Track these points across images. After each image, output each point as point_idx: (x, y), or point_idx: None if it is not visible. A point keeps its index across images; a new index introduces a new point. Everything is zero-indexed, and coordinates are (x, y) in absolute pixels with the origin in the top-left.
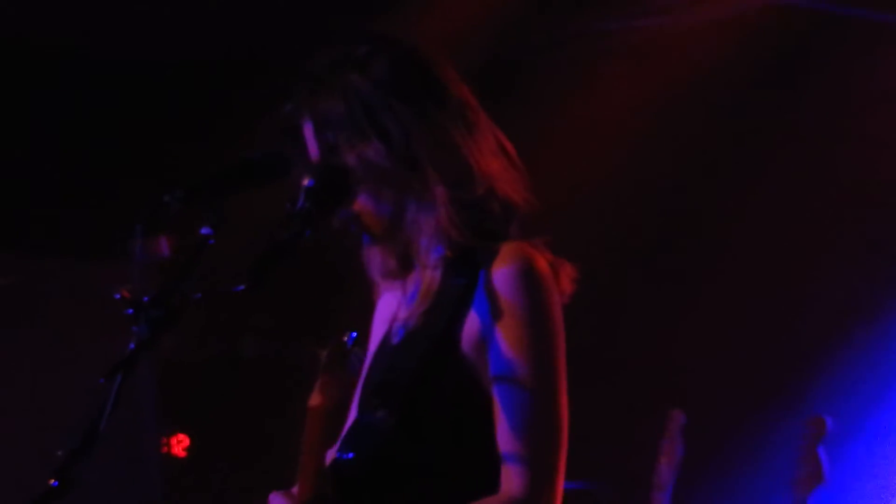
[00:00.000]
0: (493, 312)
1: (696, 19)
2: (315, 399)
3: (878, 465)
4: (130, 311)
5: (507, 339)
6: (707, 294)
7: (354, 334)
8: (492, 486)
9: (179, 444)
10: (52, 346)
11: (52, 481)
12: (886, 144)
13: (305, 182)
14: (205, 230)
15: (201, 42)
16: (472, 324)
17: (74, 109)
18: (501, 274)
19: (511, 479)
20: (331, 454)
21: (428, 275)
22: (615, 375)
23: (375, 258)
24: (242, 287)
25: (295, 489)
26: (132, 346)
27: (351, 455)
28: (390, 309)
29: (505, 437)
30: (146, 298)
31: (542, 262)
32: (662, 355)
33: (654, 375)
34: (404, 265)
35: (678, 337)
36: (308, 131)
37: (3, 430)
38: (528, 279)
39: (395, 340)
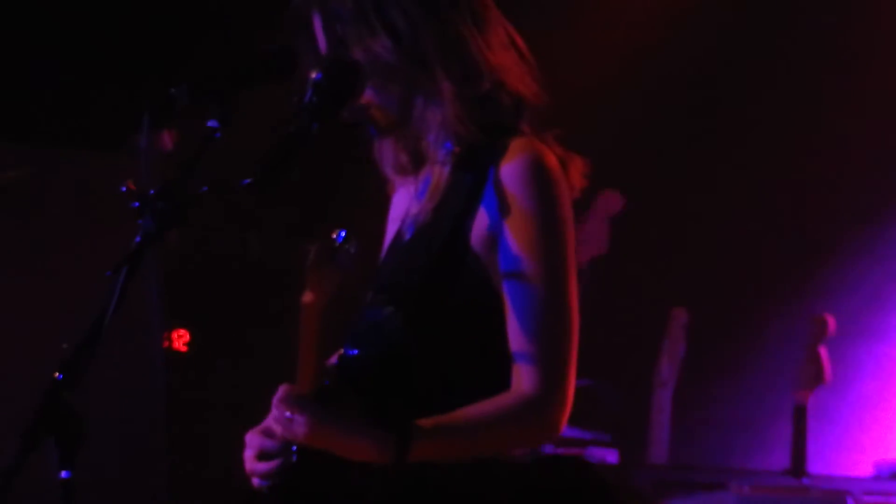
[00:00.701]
0: (501, 209)
1: None
2: (307, 296)
3: (880, 366)
4: (136, 204)
5: (516, 235)
6: (710, 194)
7: (343, 232)
8: (501, 385)
9: (180, 339)
10: (56, 239)
11: (56, 374)
12: None
13: (313, 75)
14: (211, 123)
15: None
16: (481, 220)
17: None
18: (509, 169)
19: (523, 377)
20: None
21: (437, 170)
22: (618, 274)
23: (387, 153)
24: (249, 181)
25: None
26: (138, 239)
27: (356, 351)
28: (403, 205)
29: (516, 336)
30: (152, 192)
31: (551, 157)
32: (666, 254)
33: (658, 274)
34: (416, 161)
35: (682, 236)
36: (317, 25)
37: (4, 324)
38: (537, 174)
39: (406, 237)
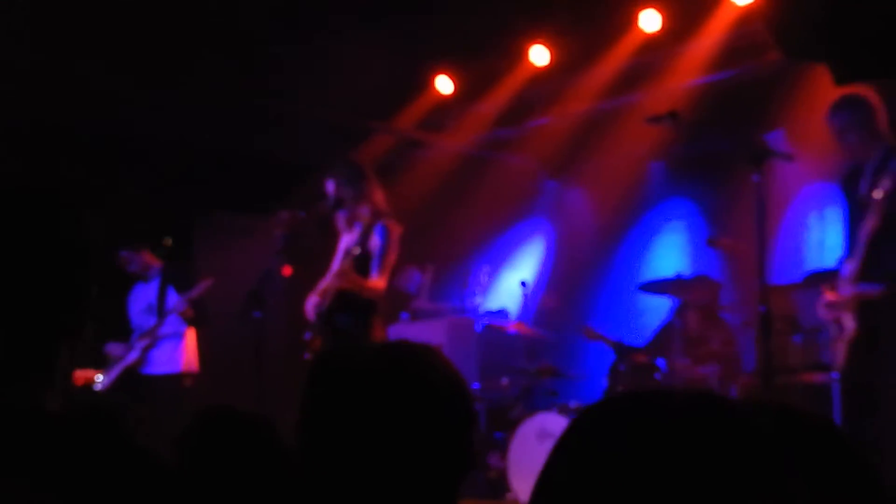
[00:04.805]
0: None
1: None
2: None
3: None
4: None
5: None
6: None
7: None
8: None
9: (286, 271)
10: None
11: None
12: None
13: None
14: (301, 213)
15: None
16: (373, 240)
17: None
18: (379, 226)
19: (374, 273)
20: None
21: (363, 227)
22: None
23: (342, 220)
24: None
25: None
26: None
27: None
28: (346, 241)
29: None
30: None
31: (397, 225)
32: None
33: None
34: (352, 223)
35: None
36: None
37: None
38: (388, 229)
39: (351, 249)
